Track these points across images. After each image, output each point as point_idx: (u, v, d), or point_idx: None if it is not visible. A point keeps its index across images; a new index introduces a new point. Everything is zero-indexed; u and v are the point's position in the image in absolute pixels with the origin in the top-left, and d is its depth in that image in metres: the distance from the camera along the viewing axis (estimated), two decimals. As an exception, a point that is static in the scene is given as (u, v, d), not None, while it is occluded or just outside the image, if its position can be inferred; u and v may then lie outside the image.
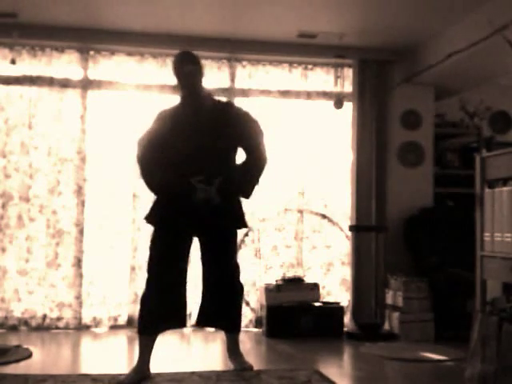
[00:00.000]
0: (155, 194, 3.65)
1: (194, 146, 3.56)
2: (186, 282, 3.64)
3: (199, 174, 3.50)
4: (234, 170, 3.70)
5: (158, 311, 3.51)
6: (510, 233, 3.48)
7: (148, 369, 3.51)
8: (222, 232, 3.64)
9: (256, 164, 3.71)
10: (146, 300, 3.54)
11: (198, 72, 3.67)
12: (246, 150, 3.72)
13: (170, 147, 3.59)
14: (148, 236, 5.30)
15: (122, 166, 5.37)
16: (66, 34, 5.15)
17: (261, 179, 3.74)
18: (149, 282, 3.55)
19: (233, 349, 3.73)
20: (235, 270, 3.72)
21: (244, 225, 3.75)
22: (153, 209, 3.65)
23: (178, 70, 3.68)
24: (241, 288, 3.75)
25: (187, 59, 3.68)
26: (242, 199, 3.74)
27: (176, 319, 3.61)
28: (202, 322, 3.75)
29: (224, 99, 4.03)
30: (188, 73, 3.64)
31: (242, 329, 3.89)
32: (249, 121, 3.75)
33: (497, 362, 3.05)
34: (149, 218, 3.64)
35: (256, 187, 3.74)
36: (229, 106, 3.98)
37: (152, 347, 3.54)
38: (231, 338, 3.74)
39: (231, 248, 3.72)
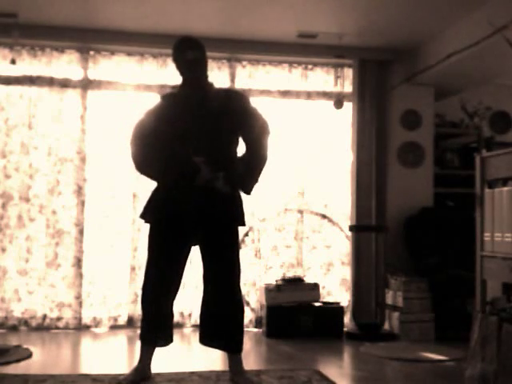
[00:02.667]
0: (157, 180, 3.43)
1: (194, 136, 3.32)
2: (176, 293, 3.47)
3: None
4: (236, 162, 3.43)
5: (152, 327, 3.46)
6: (509, 233, 3.47)
7: (149, 369, 3.50)
8: (222, 234, 3.37)
9: (254, 159, 3.43)
10: (143, 308, 3.47)
11: (201, 60, 3.35)
12: (245, 142, 3.46)
13: (168, 136, 3.34)
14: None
15: (122, 166, 5.36)
16: (66, 33, 5.15)
17: (260, 177, 3.46)
18: (144, 289, 3.45)
19: (236, 368, 3.44)
20: (237, 284, 3.41)
21: (243, 222, 3.45)
22: (148, 205, 3.42)
23: (179, 58, 3.35)
24: (241, 307, 3.45)
25: (189, 45, 3.34)
26: (243, 196, 3.48)
27: (163, 339, 3.51)
28: (203, 343, 3.50)
29: (226, 87, 3.52)
30: (190, 61, 3.31)
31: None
32: (251, 112, 3.48)
33: (497, 362, 3.05)
34: (144, 216, 3.42)
35: (256, 184, 3.46)
36: (232, 94, 3.66)
37: (153, 351, 3.51)
38: (234, 359, 3.45)
39: (233, 254, 3.40)
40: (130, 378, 3.41)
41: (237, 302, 3.42)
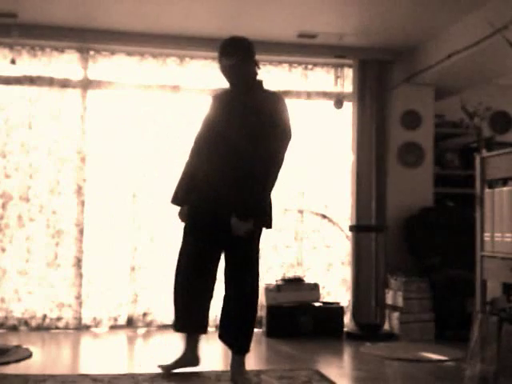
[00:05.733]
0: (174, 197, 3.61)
1: (222, 140, 3.41)
2: (211, 288, 3.53)
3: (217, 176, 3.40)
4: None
5: (183, 316, 3.55)
6: (510, 233, 3.47)
7: (194, 357, 3.60)
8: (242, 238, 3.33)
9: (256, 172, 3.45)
10: (174, 298, 3.56)
11: (236, 65, 3.37)
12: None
13: (203, 138, 3.52)
14: (148, 236, 5.33)
15: (122, 166, 5.37)
16: (66, 34, 5.15)
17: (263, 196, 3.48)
18: (175, 282, 3.54)
19: (237, 368, 3.48)
20: (249, 285, 3.43)
21: (264, 222, 3.44)
22: (179, 189, 3.57)
23: (219, 63, 3.45)
24: (252, 309, 3.48)
25: (224, 51, 3.40)
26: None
27: (196, 327, 3.59)
28: (219, 338, 3.56)
29: (273, 90, 3.50)
30: (224, 67, 3.41)
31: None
32: (276, 116, 3.42)
33: (497, 362, 3.05)
34: (176, 200, 3.57)
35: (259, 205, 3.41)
36: (269, 96, 3.53)
37: (194, 338, 3.60)
38: (236, 359, 3.49)
39: (247, 254, 3.41)
40: (169, 364, 3.54)
41: (247, 304, 3.44)
